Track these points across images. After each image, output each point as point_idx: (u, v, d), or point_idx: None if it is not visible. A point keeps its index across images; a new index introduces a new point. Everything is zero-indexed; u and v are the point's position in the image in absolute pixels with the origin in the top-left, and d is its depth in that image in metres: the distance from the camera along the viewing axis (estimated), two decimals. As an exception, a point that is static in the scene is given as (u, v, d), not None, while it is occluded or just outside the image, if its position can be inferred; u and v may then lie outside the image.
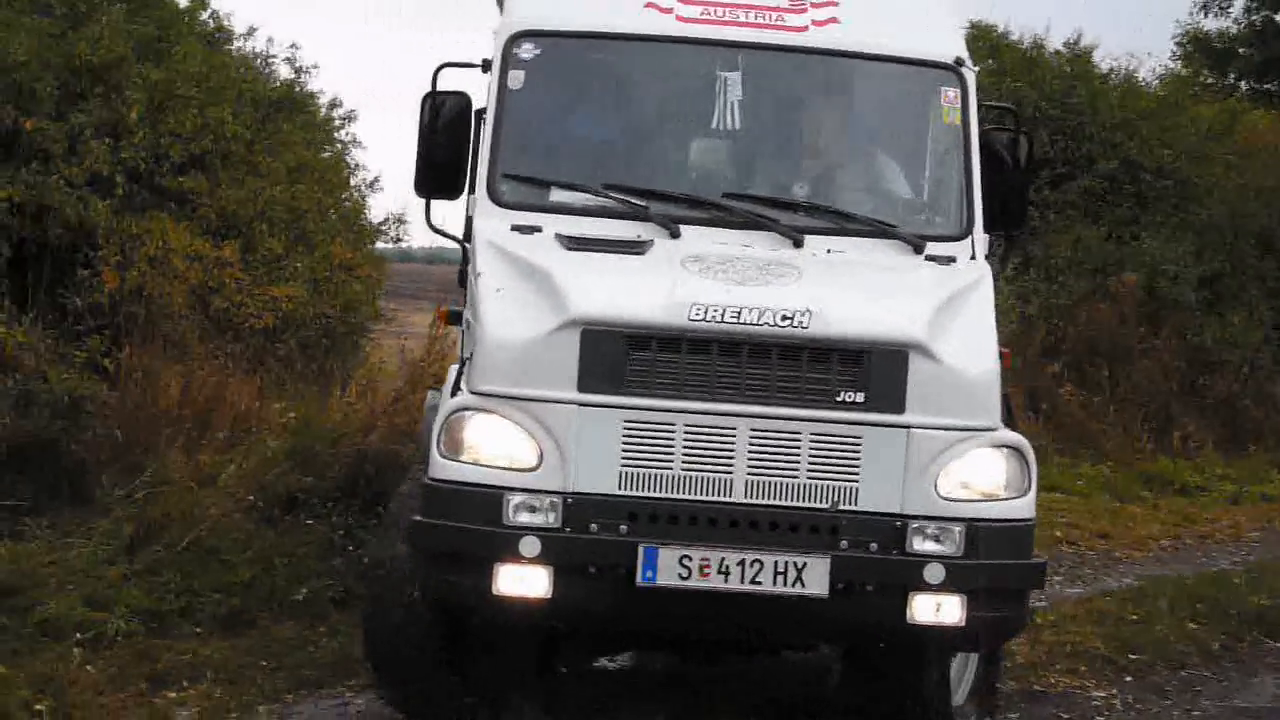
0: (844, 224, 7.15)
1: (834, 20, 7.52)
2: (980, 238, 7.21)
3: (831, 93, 7.74)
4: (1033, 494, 6.59)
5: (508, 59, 7.38)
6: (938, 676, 7.13)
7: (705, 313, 6.43)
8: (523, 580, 6.41)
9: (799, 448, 6.43)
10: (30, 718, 7.30)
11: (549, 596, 6.42)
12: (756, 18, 7.50)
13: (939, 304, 6.68)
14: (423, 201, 7.37)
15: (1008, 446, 6.58)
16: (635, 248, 6.93)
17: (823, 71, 7.64)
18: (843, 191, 7.47)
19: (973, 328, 6.70)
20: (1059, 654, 9.14)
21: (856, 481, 6.43)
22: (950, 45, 7.54)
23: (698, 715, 7.71)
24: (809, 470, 6.44)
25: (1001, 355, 6.85)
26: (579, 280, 6.66)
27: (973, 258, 7.13)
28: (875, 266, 7.02)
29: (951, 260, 7.07)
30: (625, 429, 6.43)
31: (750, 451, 6.43)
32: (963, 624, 6.44)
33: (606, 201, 7.15)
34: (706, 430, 6.44)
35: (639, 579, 6.35)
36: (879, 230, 7.15)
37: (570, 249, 6.90)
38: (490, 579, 6.40)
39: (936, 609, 6.42)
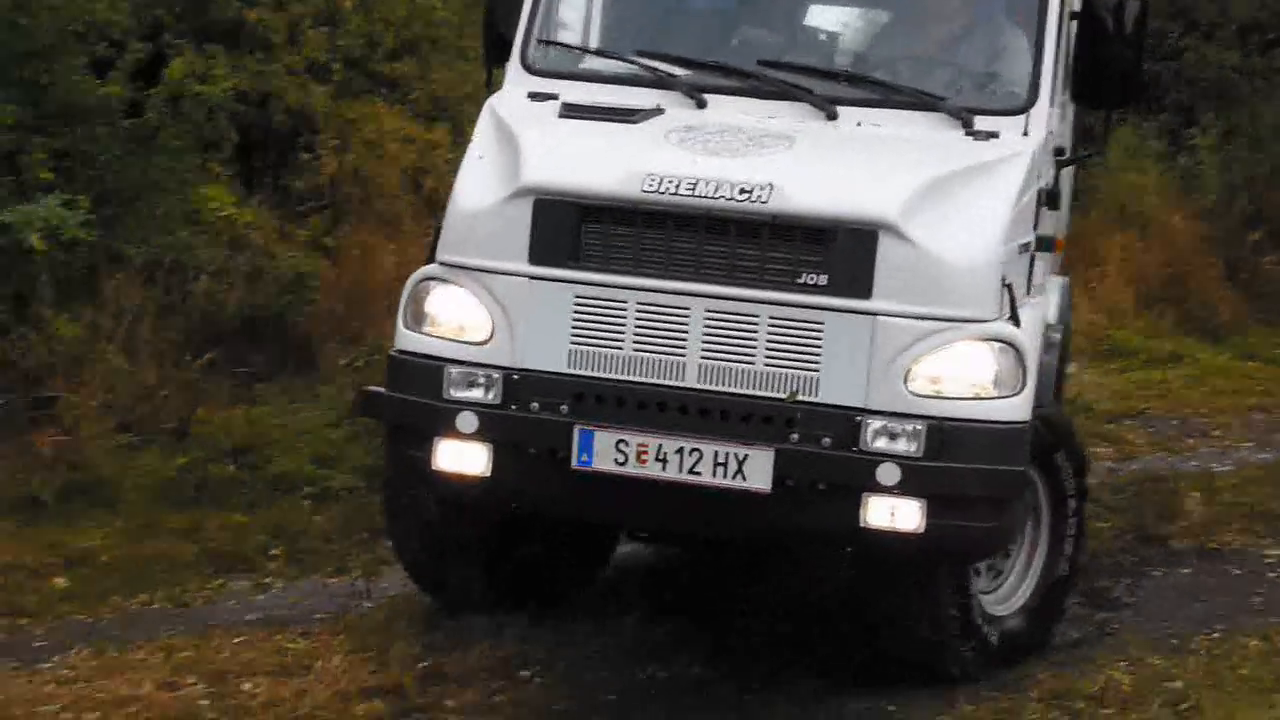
0: (887, 95, 6.58)
1: None
2: (1043, 113, 6.53)
3: None
4: (1025, 395, 6.06)
5: None
6: (953, 586, 6.47)
7: (660, 184, 6.06)
8: (461, 456, 6.22)
9: (756, 332, 6.03)
10: (267, 560, 8.08)
11: (487, 475, 6.21)
12: None
13: (931, 181, 6.14)
14: None
15: (996, 340, 6.04)
16: (632, 116, 6.47)
17: None
18: (900, 60, 6.91)
19: (970, 209, 6.13)
20: (1236, 513, 9.28)
21: (817, 371, 5.99)
22: None
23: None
24: (766, 356, 6.03)
25: (1049, 242, 6.57)
26: (541, 148, 6.34)
27: (1025, 134, 6.44)
28: (891, 140, 6.43)
29: (993, 136, 6.40)
30: (576, 305, 6.15)
31: (705, 334, 6.06)
32: (921, 531, 5.94)
33: (636, 69, 6.75)
34: (659, 309, 6.10)
35: (574, 462, 6.04)
36: (922, 102, 6.52)
37: (563, 116, 6.54)
38: (431, 453, 6.26)
39: (891, 513, 5.93)
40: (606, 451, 6.04)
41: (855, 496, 5.95)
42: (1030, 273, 6.68)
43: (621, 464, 6.04)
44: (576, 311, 6.16)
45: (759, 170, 6.10)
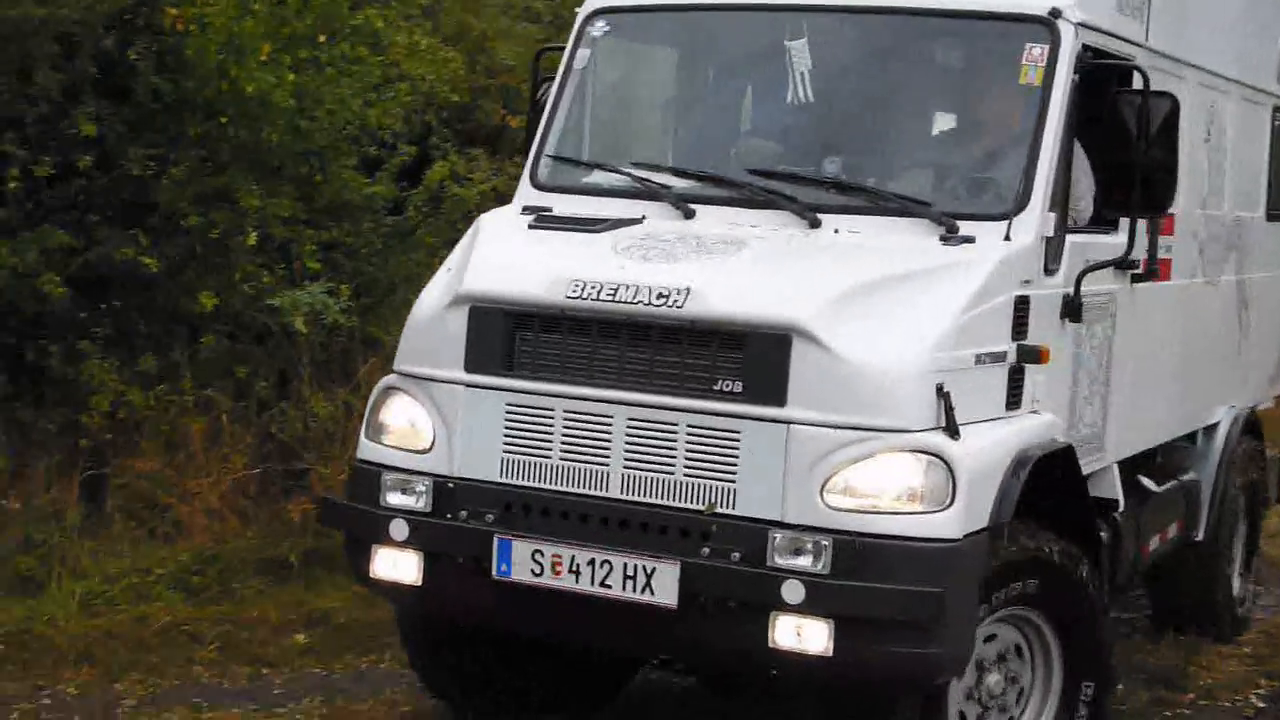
0: (872, 201, 6.44)
1: None
2: (1033, 218, 6.32)
3: (899, 56, 6.96)
4: (954, 512, 5.72)
5: (579, 37, 7.22)
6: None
7: (584, 290, 6.04)
8: (395, 564, 6.30)
9: (675, 441, 5.92)
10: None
11: (419, 584, 6.27)
12: None
13: (858, 286, 5.94)
14: None
15: (921, 452, 5.74)
16: (595, 226, 6.48)
17: (891, 33, 6.92)
18: (895, 164, 6.78)
19: (900, 315, 5.90)
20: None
21: (734, 481, 5.83)
22: None
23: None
24: (686, 466, 5.90)
25: (1034, 352, 6.26)
26: (485, 257, 6.41)
27: (1007, 238, 6.21)
28: (849, 247, 6.25)
29: (968, 241, 6.18)
30: (508, 413, 6.15)
31: (627, 443, 5.98)
32: (829, 655, 5.65)
33: (631, 182, 6.76)
34: (584, 418, 6.06)
35: (494, 572, 6.03)
36: (906, 209, 6.36)
37: (532, 227, 6.61)
38: (370, 560, 6.35)
39: (798, 634, 5.66)
40: (524, 562, 6.01)
41: (763, 615, 5.70)
42: (1010, 385, 6.36)
43: (537, 575, 5.99)
44: (508, 420, 6.18)
45: (681, 275, 6.02)
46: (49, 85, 9.67)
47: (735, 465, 5.87)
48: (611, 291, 6.05)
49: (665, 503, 5.97)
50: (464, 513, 6.20)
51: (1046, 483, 6.60)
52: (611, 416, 6.05)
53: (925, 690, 6.10)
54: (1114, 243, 7.29)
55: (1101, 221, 7.42)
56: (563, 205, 6.90)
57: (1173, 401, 8.53)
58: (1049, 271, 6.69)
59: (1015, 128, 6.63)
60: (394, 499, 6.34)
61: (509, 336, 6.22)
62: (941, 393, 5.87)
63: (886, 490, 5.76)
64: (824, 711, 6.40)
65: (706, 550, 5.83)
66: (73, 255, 9.59)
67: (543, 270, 6.29)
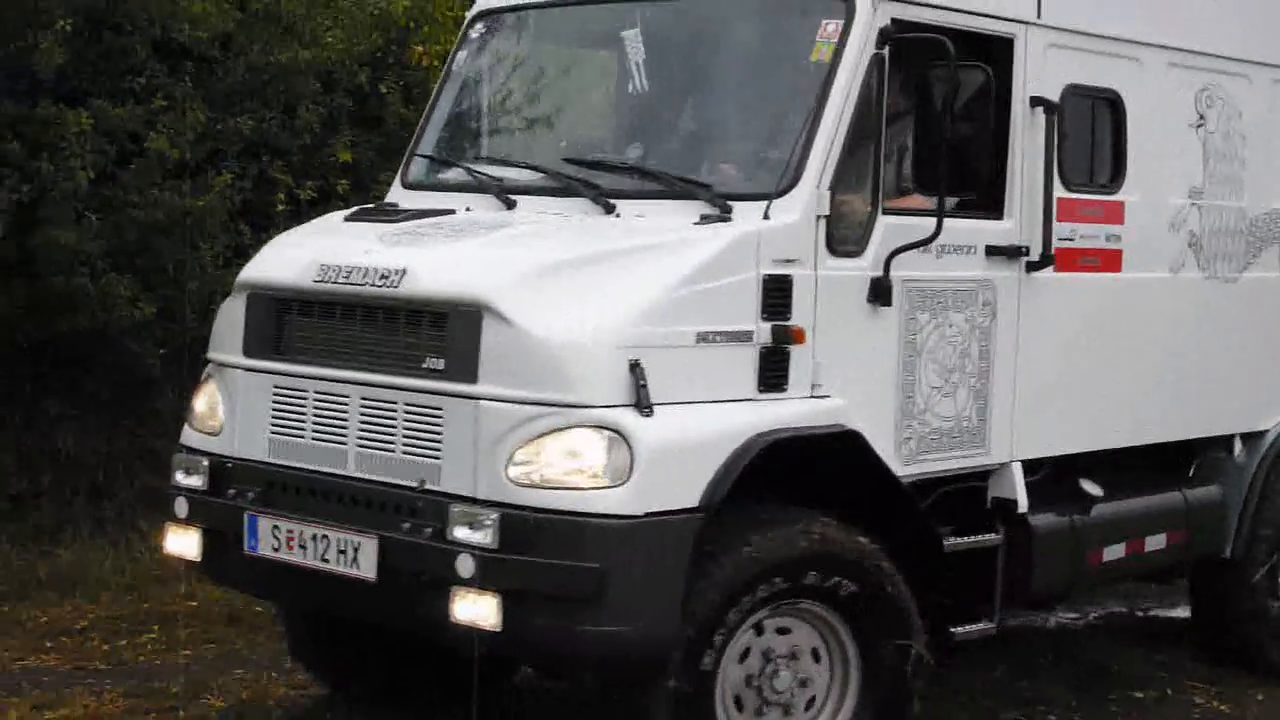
0: (666, 185, 6.45)
1: None
2: (800, 198, 6.21)
3: (711, 40, 6.95)
4: (630, 488, 5.66)
5: (462, 40, 7.58)
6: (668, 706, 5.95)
7: (327, 274, 6.26)
8: (180, 540, 6.64)
9: (395, 419, 6.07)
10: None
11: (200, 559, 6.61)
12: None
13: (559, 263, 5.98)
14: None
15: (600, 427, 5.70)
16: (395, 216, 6.71)
17: (705, 17, 6.92)
18: (688, 149, 6.79)
19: (597, 292, 5.88)
20: None
21: (440, 459, 5.94)
22: None
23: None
24: (404, 444, 6.04)
25: (785, 332, 6.11)
26: (272, 247, 6.81)
27: (766, 217, 6.15)
28: (597, 228, 6.34)
29: (723, 220, 6.17)
30: (274, 395, 6.41)
31: (361, 422, 6.17)
32: (499, 630, 5.69)
33: (468, 176, 7.05)
34: (328, 398, 6.26)
35: (245, 546, 6.30)
36: (688, 192, 6.36)
37: (346, 220, 6.95)
38: (164, 537, 6.75)
39: (473, 608, 5.71)
40: (266, 537, 6.28)
41: (445, 590, 5.77)
42: (763, 366, 6.17)
43: (275, 549, 6.24)
44: (275, 401, 6.44)
45: (403, 258, 6.17)
46: (311, 119, 11.09)
47: (440, 442, 5.97)
48: (346, 274, 6.25)
49: (387, 480, 6.12)
50: (232, 491, 6.49)
51: (849, 470, 6.42)
52: (348, 396, 6.24)
53: (626, 670, 5.98)
54: (982, 228, 7.00)
55: (989, 205, 7.13)
56: (417, 201, 7.10)
57: (1139, 403, 7.98)
58: (841, 252, 6.48)
59: (800, 107, 6.48)
60: (180, 478, 6.70)
61: (277, 321, 6.49)
62: (635, 369, 5.79)
63: (563, 465, 5.74)
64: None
65: (407, 525, 5.95)
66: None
67: (303, 257, 6.52)
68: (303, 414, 6.37)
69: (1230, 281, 8.49)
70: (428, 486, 5.98)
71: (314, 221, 7.32)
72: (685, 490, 5.84)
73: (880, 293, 6.56)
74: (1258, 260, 8.68)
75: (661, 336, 5.91)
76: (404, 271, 6.09)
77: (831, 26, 6.49)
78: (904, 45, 6.56)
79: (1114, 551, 7.90)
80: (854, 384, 6.55)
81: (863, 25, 6.48)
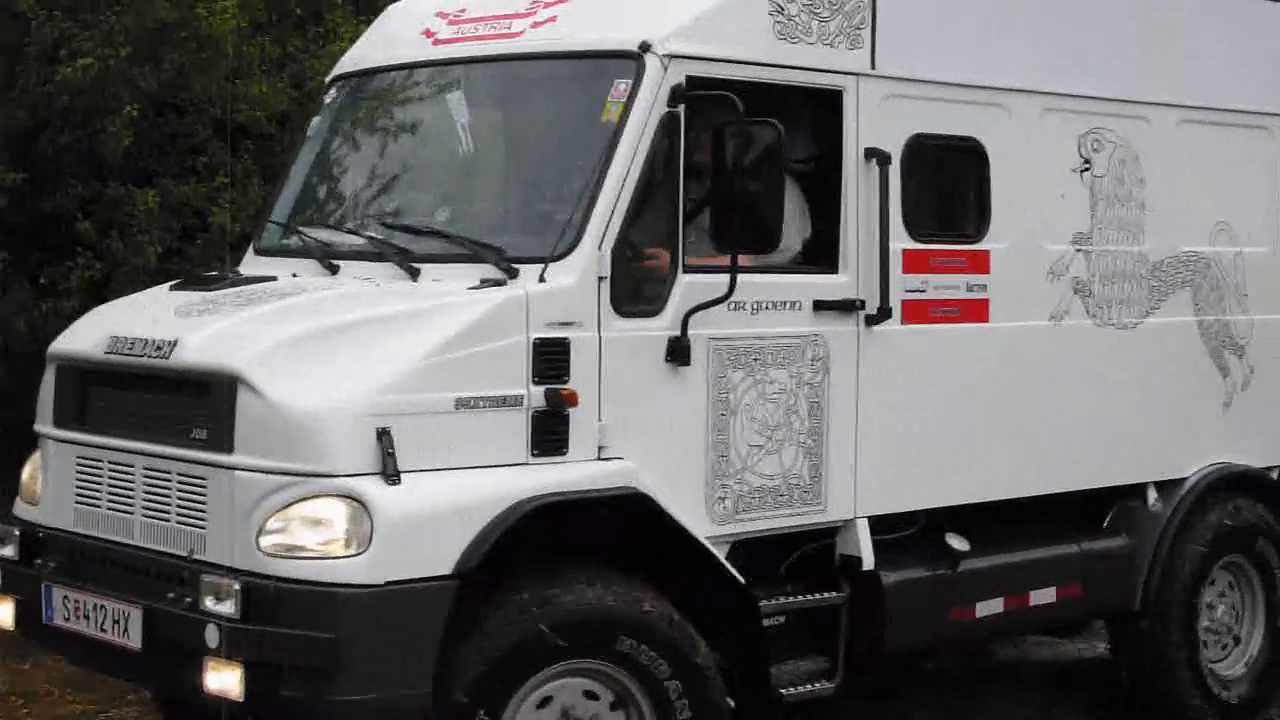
0: (466, 249, 6.48)
1: (553, 19, 6.80)
2: (579, 260, 6.21)
3: (521, 102, 7.07)
4: (369, 556, 5.66)
5: (320, 105, 7.69)
6: None
7: (115, 345, 6.37)
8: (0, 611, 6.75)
9: (170, 488, 6.13)
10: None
11: (13, 629, 6.75)
12: (492, 29, 6.96)
13: (313, 332, 6.02)
14: None
15: (341, 496, 5.72)
16: (211, 285, 6.80)
17: (516, 79, 6.98)
18: (490, 211, 6.97)
19: (346, 359, 5.91)
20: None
21: (205, 528, 5.97)
22: (650, 29, 6.43)
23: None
24: (178, 513, 6.10)
25: (560, 395, 6.09)
26: (87, 316, 6.97)
27: (542, 280, 6.16)
28: (369, 295, 6.38)
29: (498, 284, 6.19)
30: (77, 465, 6.50)
31: (144, 491, 6.23)
32: (242, 701, 5.68)
33: (297, 241, 7.14)
34: (118, 468, 6.33)
35: (43, 617, 6.42)
36: (478, 255, 6.39)
37: (171, 289, 7.02)
38: None
39: (220, 678, 5.71)
40: (59, 607, 6.39)
41: (198, 658, 5.78)
42: (537, 429, 6.15)
43: (66, 619, 6.36)
44: (78, 471, 6.52)
45: (180, 329, 6.24)
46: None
47: (205, 511, 6.02)
48: (129, 345, 6.35)
49: (163, 549, 6.17)
50: (39, 561, 6.58)
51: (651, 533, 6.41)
52: (133, 466, 6.31)
53: None
54: (810, 282, 6.95)
55: (820, 261, 7.08)
56: (259, 268, 7.20)
57: (1018, 454, 7.81)
58: (632, 313, 6.45)
59: (587, 168, 6.47)
60: None
61: (80, 392, 6.60)
62: (383, 437, 5.81)
63: (307, 535, 5.76)
64: None
65: (171, 595, 5.99)
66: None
67: (102, 327, 6.65)
68: (99, 484, 6.45)
69: (1128, 328, 8.28)
70: (195, 556, 6.01)
71: (146, 290, 7.43)
72: (434, 558, 5.82)
73: (678, 352, 6.51)
74: (1164, 305, 8.46)
75: (413, 404, 5.91)
76: (175, 343, 6.15)
77: (622, 86, 6.45)
78: (701, 103, 6.52)
79: (989, 607, 7.74)
80: (651, 445, 6.49)
81: (651, 84, 6.43)
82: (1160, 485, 8.56)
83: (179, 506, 6.12)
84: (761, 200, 6.40)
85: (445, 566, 5.85)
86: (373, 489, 5.78)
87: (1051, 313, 7.92)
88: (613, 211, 6.33)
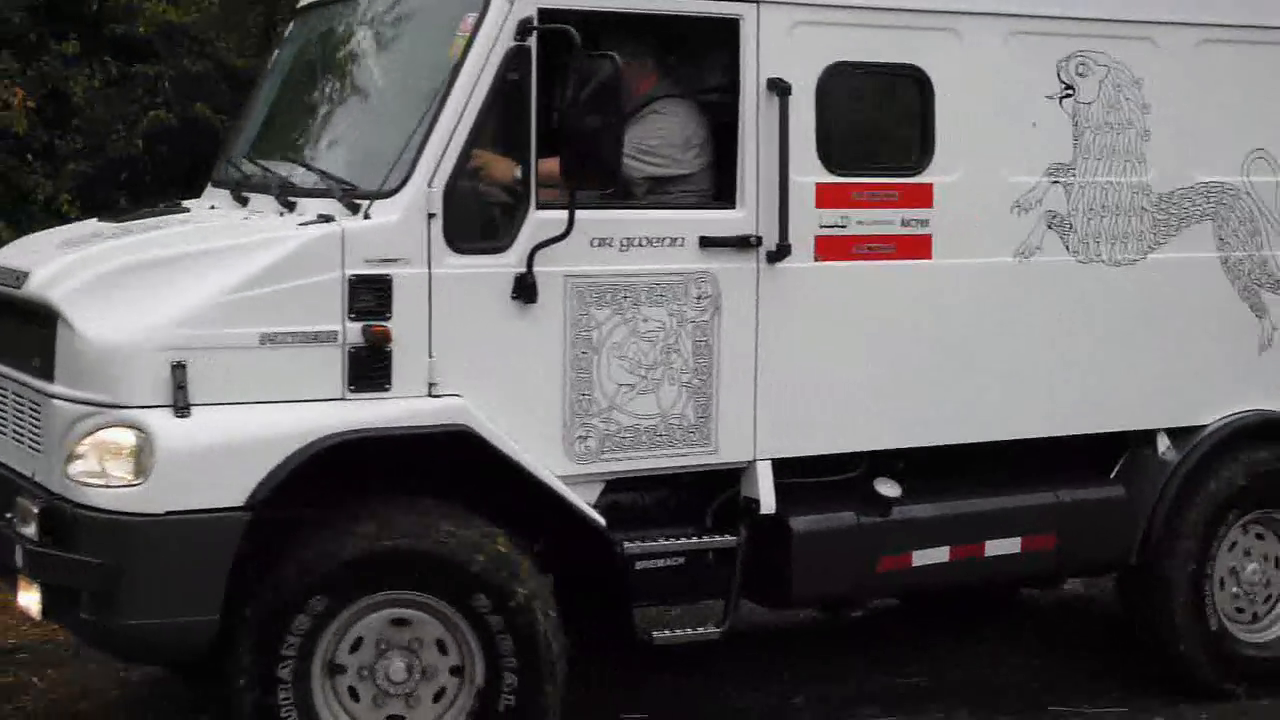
0: (315, 184, 6.59)
1: None
2: (408, 197, 6.23)
3: (388, 35, 7.05)
4: (149, 486, 5.82)
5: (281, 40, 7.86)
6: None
7: None
8: None
9: (23, 413, 6.36)
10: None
11: None
12: None
13: (137, 266, 6.14)
14: None
15: (129, 426, 5.87)
16: (126, 217, 7.02)
17: (388, 12, 7.05)
18: (348, 148, 6.93)
19: (156, 294, 6.02)
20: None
21: (41, 452, 6.18)
22: None
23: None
24: (30, 437, 6.31)
25: (371, 331, 6.12)
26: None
27: (367, 217, 6.20)
28: (205, 230, 6.54)
29: (326, 220, 6.22)
30: None
31: (13, 414, 6.48)
32: (40, 618, 6.15)
33: (232, 173, 7.32)
34: (2, 393, 6.58)
35: None
36: (325, 190, 6.46)
37: (99, 219, 7.15)
38: None
39: (26, 597, 6.08)
40: None
41: (13, 576, 6.14)
42: (355, 365, 6.19)
43: None
44: None
45: (37, 261, 6.47)
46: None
47: (40, 437, 6.25)
48: (2, 275, 6.63)
49: (19, 469, 6.40)
50: None
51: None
52: (6, 390, 6.60)
53: (170, 663, 6.36)
54: (696, 218, 6.80)
55: (720, 196, 6.93)
56: (208, 200, 7.40)
57: (975, 397, 7.43)
58: (473, 249, 6.43)
59: (428, 104, 6.45)
60: None
61: None
62: (177, 370, 5.97)
63: (101, 463, 5.94)
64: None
65: (8, 515, 6.24)
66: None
67: (4, 254, 7.02)
68: (4, 409, 6.69)
69: (1122, 265, 7.76)
70: (36, 479, 6.24)
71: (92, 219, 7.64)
72: (222, 489, 5.95)
73: (524, 290, 6.46)
74: (1173, 240, 7.88)
75: (213, 338, 6.02)
76: (27, 274, 6.37)
77: (470, 20, 6.39)
78: (552, 37, 6.42)
79: (930, 556, 7.43)
80: (496, 382, 6.47)
81: (495, 17, 6.36)
82: (1175, 433, 8.00)
83: (30, 431, 6.37)
84: (597, 136, 6.25)
85: (236, 498, 5.98)
86: (157, 420, 5.92)
87: (1018, 249, 7.48)
88: (445, 148, 6.30)
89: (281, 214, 6.56)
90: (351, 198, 6.38)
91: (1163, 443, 7.98)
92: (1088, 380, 7.70)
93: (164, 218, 7.01)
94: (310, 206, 6.50)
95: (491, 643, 6.38)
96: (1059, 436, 7.73)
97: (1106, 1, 7.64)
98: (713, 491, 7.09)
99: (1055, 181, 7.54)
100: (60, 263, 6.45)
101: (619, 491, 6.92)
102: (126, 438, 5.94)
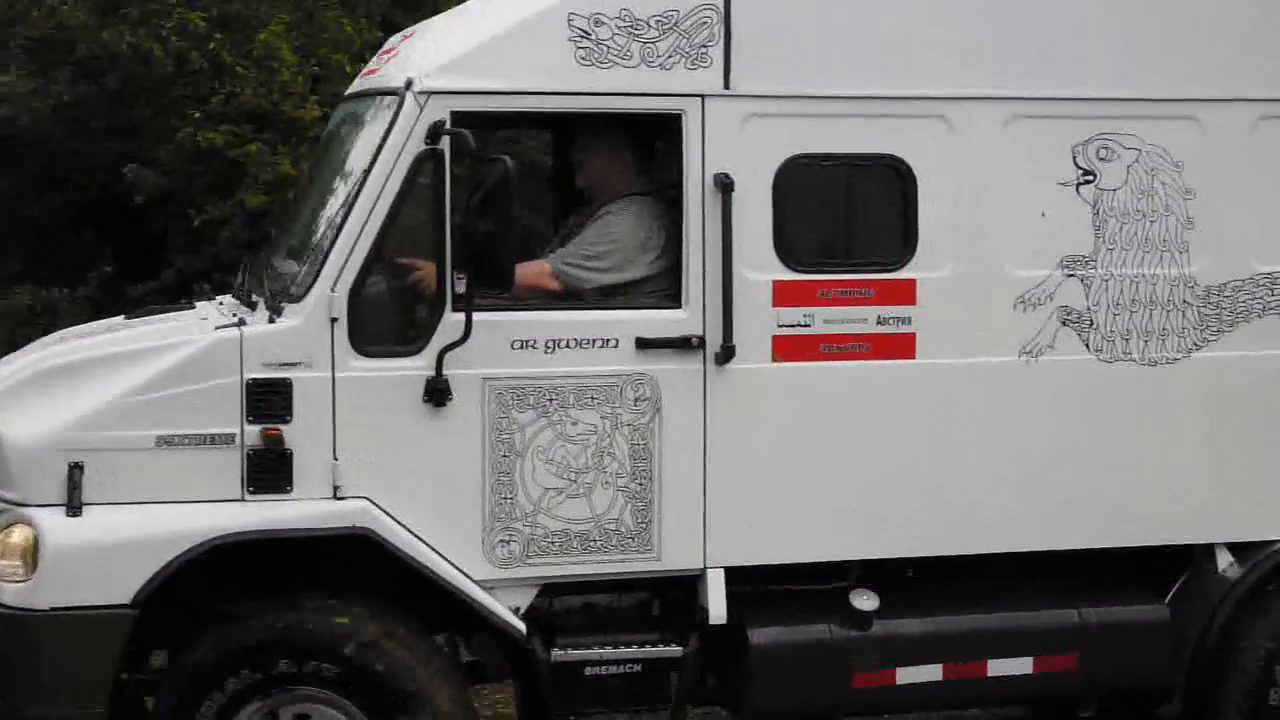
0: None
1: (395, 56, 7.03)
2: (311, 301, 6.32)
3: (343, 138, 7.16)
4: (34, 583, 6.04)
5: None
6: None
7: None
8: None
9: None
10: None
11: None
12: (374, 64, 7.37)
13: (55, 370, 6.43)
14: None
15: (23, 524, 6.12)
16: (136, 316, 7.25)
17: (349, 116, 7.20)
18: (292, 250, 7.04)
19: (50, 396, 6.27)
20: None
21: None
22: (421, 65, 6.47)
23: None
24: None
25: (265, 433, 6.21)
26: None
27: (272, 321, 6.34)
28: (134, 334, 6.74)
29: (241, 324, 6.39)
30: None
31: None
32: None
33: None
34: None
35: None
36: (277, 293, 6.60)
37: (126, 317, 7.44)
38: None
39: None
40: None
41: None
42: (253, 467, 6.28)
43: None
44: None
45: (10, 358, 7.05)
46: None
47: None
48: None
49: None
50: None
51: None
52: None
53: None
54: (630, 319, 6.68)
55: (669, 296, 6.79)
56: (219, 300, 7.66)
57: (972, 505, 6.98)
58: (381, 353, 6.46)
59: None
60: None
61: None
62: (74, 471, 6.20)
63: (3, 559, 6.18)
64: None
65: None
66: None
67: None
68: None
69: (1160, 365, 7.13)
70: None
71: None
72: (108, 586, 6.14)
73: (435, 393, 6.45)
74: (1225, 336, 7.19)
75: (110, 440, 6.22)
76: None
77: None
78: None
79: (917, 674, 6.98)
80: (407, 485, 6.47)
81: (405, 121, 6.39)
82: (1238, 549, 7.29)
83: None
84: (489, 239, 6.21)
85: (121, 596, 6.18)
86: (47, 519, 6.14)
87: (1024, 347, 6.98)
88: (350, 253, 6.38)
89: (233, 316, 6.73)
90: (278, 301, 6.52)
91: (1224, 559, 7.28)
92: (1110, 488, 7.10)
93: (154, 317, 7.30)
94: (260, 310, 6.67)
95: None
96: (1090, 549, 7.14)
97: (1135, 79, 7.03)
98: (666, 598, 6.87)
99: (1071, 275, 6.99)
100: (4, 362, 6.90)
101: (566, 594, 6.80)
102: (22, 534, 6.20)
